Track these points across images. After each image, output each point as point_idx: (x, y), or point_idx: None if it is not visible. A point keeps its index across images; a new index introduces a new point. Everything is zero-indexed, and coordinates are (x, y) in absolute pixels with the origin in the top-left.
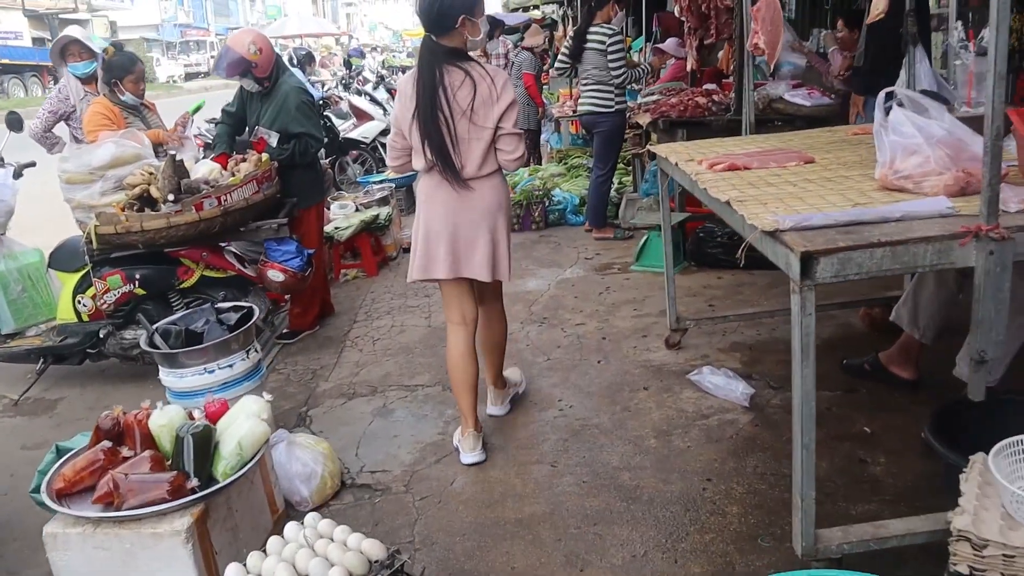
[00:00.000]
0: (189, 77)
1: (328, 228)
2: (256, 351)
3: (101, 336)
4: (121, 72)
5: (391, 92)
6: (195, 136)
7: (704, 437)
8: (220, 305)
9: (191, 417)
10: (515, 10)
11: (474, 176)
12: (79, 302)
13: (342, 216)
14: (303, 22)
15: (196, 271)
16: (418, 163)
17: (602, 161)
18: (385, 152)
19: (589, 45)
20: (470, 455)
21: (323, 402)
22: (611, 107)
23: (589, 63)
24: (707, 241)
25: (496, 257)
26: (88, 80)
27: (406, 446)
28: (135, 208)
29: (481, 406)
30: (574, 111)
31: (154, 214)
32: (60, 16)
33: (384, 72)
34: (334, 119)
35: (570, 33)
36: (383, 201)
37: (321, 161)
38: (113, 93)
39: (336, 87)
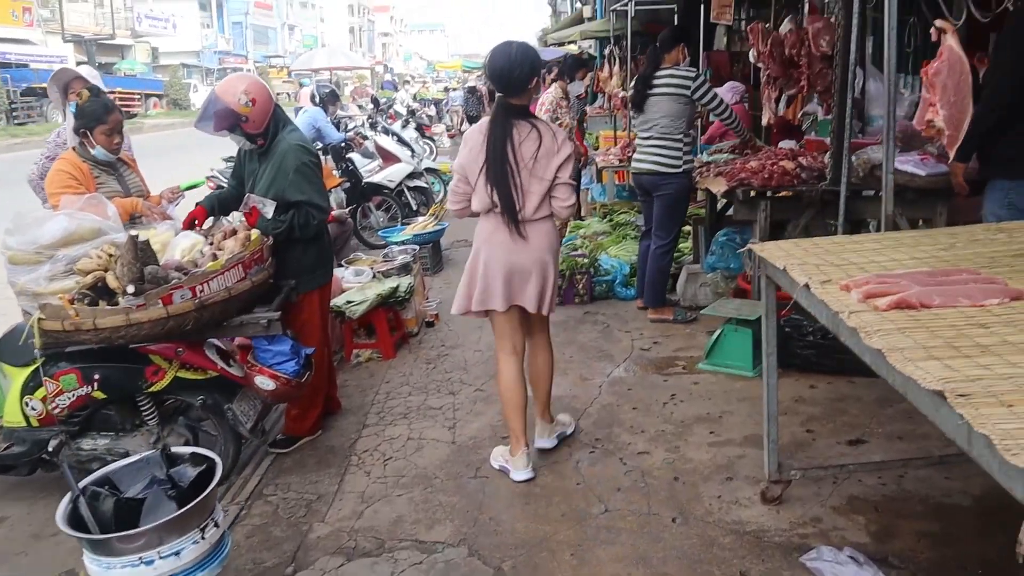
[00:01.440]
0: None
1: (339, 300)
2: (215, 525)
3: (52, 447)
4: (92, 121)
5: (421, 129)
6: (207, 179)
7: None
8: (175, 450)
9: None
10: (550, 46)
11: (530, 219)
12: (27, 404)
13: (356, 286)
14: (332, 55)
15: (168, 372)
16: (479, 205)
17: (663, 230)
18: (411, 197)
19: (658, 91)
20: (523, 472)
21: (315, 560)
22: (677, 167)
23: (657, 111)
24: (795, 339)
25: (544, 292)
26: None
27: None
28: (87, 301)
29: None
30: (621, 160)
31: (110, 309)
32: (99, 41)
33: (415, 105)
34: (358, 161)
35: (614, 75)
36: (404, 268)
37: (341, 212)
38: (84, 147)
39: (362, 125)
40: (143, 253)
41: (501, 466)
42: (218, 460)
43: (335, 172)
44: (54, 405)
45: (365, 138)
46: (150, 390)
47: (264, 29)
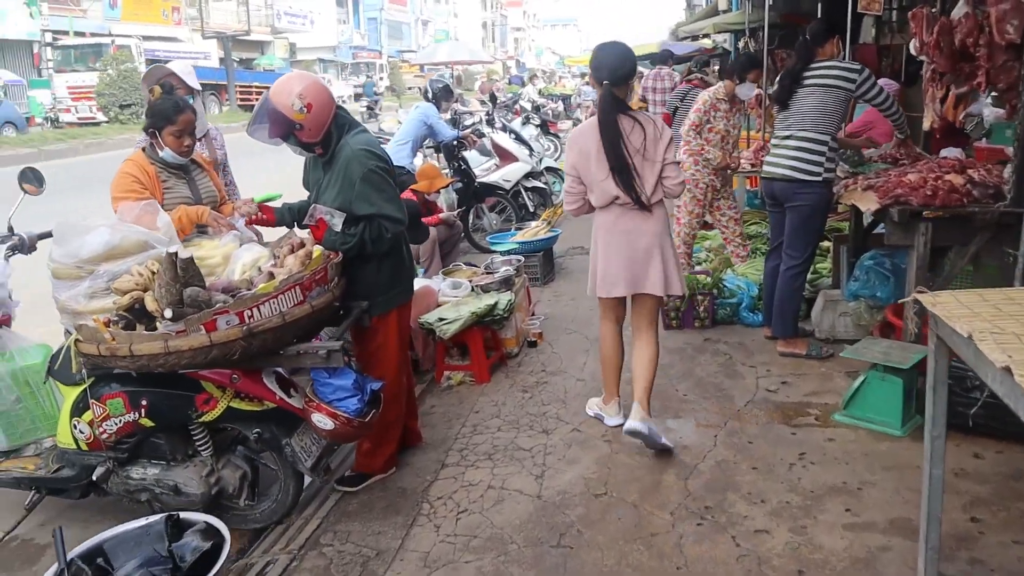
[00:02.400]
0: (358, 97)
1: (431, 317)
2: None
3: (98, 475)
4: (161, 121)
5: (546, 126)
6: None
7: None
8: (185, 516)
9: None
10: (684, 39)
11: (648, 203)
12: (75, 426)
13: (451, 301)
14: (455, 49)
15: (221, 401)
16: (599, 200)
17: (795, 248)
18: (528, 198)
19: (811, 83)
20: (616, 419)
21: None
22: (817, 174)
23: (805, 105)
24: (956, 393)
25: (668, 273)
26: None
27: None
28: (123, 324)
29: None
30: (753, 165)
31: (147, 335)
32: (238, 38)
33: (541, 101)
34: (472, 160)
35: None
36: (506, 283)
37: (449, 215)
38: (153, 148)
39: (480, 122)
40: (185, 272)
41: (596, 413)
42: (227, 536)
43: (446, 172)
44: (101, 430)
45: (481, 135)
46: (201, 420)
47: (398, 24)
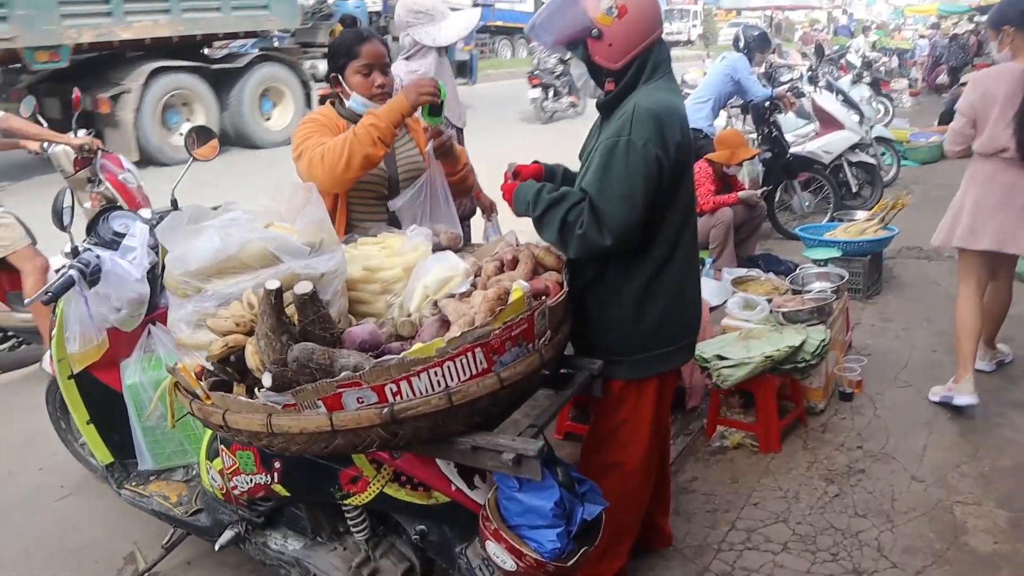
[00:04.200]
0: (671, 45)
1: (707, 350)
2: None
3: (225, 540)
4: (341, 57)
5: (878, 85)
6: None
7: None
8: None
9: None
10: None
11: None
12: (208, 471)
13: (739, 330)
14: None
15: (373, 483)
16: (986, 147)
17: None
18: (851, 175)
19: None
20: (967, 397)
21: None
22: None
23: None
24: None
25: None
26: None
27: None
28: (211, 382)
29: None
30: None
31: (245, 402)
32: None
33: (873, 56)
34: (785, 125)
35: None
36: (820, 312)
37: (750, 193)
38: (340, 101)
39: (800, 79)
40: (304, 313)
41: (942, 396)
42: None
43: (752, 138)
44: (232, 485)
45: (800, 95)
46: (346, 501)
47: None
